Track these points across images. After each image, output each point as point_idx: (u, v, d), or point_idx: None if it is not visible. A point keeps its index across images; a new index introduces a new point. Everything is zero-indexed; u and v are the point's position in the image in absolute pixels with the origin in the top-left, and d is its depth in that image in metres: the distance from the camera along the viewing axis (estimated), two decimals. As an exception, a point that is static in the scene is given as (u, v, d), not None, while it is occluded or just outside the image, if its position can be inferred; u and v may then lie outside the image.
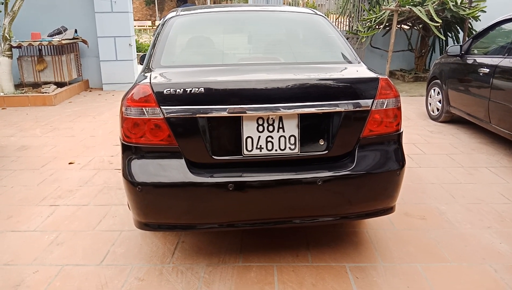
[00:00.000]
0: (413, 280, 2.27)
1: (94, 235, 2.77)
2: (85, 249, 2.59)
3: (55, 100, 7.05)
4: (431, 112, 5.89)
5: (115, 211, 3.10)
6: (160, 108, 1.97)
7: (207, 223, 2.06)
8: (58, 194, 3.42)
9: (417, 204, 3.18)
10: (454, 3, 7.68)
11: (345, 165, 2.09)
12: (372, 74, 2.17)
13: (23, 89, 7.43)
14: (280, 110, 1.99)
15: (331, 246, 2.59)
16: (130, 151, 2.08)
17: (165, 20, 2.71)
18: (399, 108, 2.16)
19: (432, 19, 7.55)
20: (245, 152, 2.03)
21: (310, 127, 2.07)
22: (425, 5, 7.62)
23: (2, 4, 6.91)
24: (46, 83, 7.70)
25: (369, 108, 2.07)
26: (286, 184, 2.01)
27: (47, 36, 7.80)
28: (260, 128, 2.02)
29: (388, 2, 8.87)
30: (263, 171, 2.03)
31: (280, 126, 2.03)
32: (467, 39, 7.53)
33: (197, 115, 1.96)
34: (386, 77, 2.17)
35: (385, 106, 2.09)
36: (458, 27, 8.49)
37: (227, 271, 2.36)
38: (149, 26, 26.85)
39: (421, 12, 7.53)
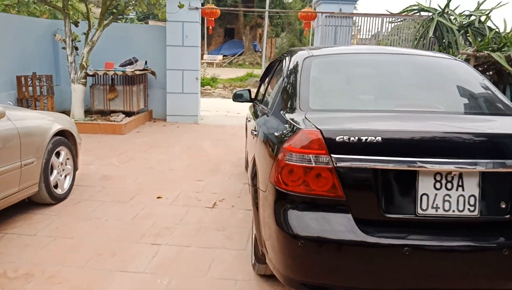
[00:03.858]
0: None
1: (207, 282, 2.56)
2: (204, 300, 2.38)
3: (124, 129, 7.11)
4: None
5: (220, 256, 2.90)
6: (330, 156, 1.78)
7: (374, 288, 1.81)
8: (155, 231, 3.26)
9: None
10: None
11: None
12: None
13: (92, 116, 7.57)
14: (461, 166, 1.76)
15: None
16: (286, 200, 1.89)
17: (299, 61, 2.58)
18: None
19: (512, 66, 7.23)
20: (419, 211, 1.80)
21: (491, 187, 1.82)
22: (503, 51, 7.33)
23: (84, 34, 7.16)
24: (113, 111, 7.83)
25: None
26: (467, 252, 1.76)
27: (119, 66, 8.00)
28: (438, 185, 1.80)
29: (457, 46, 8.63)
30: (439, 234, 1.79)
31: (460, 184, 1.80)
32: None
33: (372, 166, 1.76)
34: None
35: None
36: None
37: None
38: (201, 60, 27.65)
39: (500, 58, 7.23)
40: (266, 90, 3.39)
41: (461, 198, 1.80)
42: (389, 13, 8.79)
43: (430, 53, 2.79)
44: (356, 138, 1.78)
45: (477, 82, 2.45)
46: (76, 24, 7.27)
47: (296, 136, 1.86)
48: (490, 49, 7.54)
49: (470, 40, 8.46)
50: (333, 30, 8.54)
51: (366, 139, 1.77)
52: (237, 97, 4.34)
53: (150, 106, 8.77)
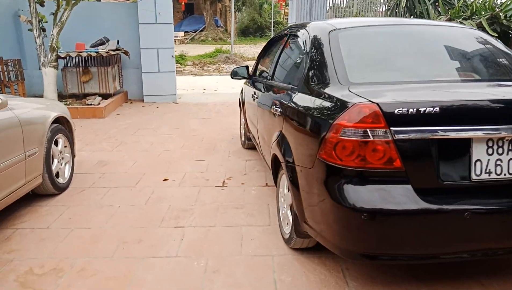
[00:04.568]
0: None
1: (244, 260, 2.56)
2: (248, 278, 2.38)
3: (104, 112, 6.84)
4: None
5: (248, 233, 2.89)
6: (390, 129, 1.80)
7: (444, 253, 1.88)
8: (174, 214, 3.20)
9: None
10: (505, 17, 7.65)
11: None
12: None
13: (66, 101, 7.20)
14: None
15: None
16: (341, 175, 1.89)
17: (323, 35, 2.53)
18: None
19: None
20: (474, 176, 1.86)
21: None
22: (474, 19, 7.58)
23: (52, 14, 6.71)
24: (88, 94, 7.48)
25: None
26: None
27: (90, 46, 7.60)
28: (490, 151, 1.86)
29: (428, 15, 8.83)
30: (494, 197, 1.87)
31: (510, 148, 1.87)
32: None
33: (429, 137, 1.79)
34: None
35: None
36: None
37: (419, 302, 2.17)
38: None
39: (472, 25, 7.48)
40: (275, 66, 3.33)
41: (511, 162, 1.87)
42: (362, -17, 8.83)
43: (447, 23, 2.83)
44: (414, 109, 1.79)
45: (500, 49, 2.52)
46: (41, 3, 6.78)
47: (350, 111, 1.85)
48: (462, 17, 7.77)
49: (440, 9, 8.66)
50: (309, 3, 8.48)
51: (424, 110, 1.79)
52: (235, 74, 4.27)
53: (125, 87, 8.45)
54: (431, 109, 1.79)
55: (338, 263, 2.52)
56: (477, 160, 1.85)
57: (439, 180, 1.84)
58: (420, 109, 1.79)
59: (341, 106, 1.94)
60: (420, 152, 1.82)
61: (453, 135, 1.80)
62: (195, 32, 28.27)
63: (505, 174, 1.87)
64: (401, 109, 1.80)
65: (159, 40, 8.09)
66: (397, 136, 1.79)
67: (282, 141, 2.59)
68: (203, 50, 18.96)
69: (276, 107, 2.78)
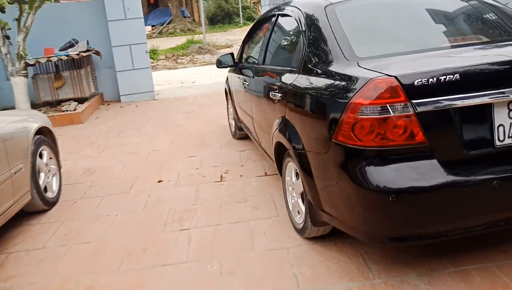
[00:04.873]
0: None
1: (260, 256, 2.45)
2: (267, 275, 2.27)
3: (83, 117, 6.55)
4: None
5: (258, 228, 2.77)
6: (411, 102, 1.69)
7: (474, 226, 1.81)
8: (177, 216, 3.05)
9: None
10: None
11: None
12: None
13: (40, 109, 6.87)
14: None
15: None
16: (361, 157, 1.79)
17: (318, 10, 2.39)
18: None
19: None
20: (497, 143, 1.78)
21: None
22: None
23: (15, 20, 6.34)
24: (63, 100, 7.15)
25: None
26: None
27: (59, 50, 7.25)
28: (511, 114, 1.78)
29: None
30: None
31: (531, 110, 1.79)
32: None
33: (451, 106, 1.70)
34: None
35: None
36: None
37: (447, 278, 2.10)
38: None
39: None
40: (265, 50, 3.18)
41: None
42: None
43: None
44: (434, 79, 1.69)
45: (498, 7, 2.44)
46: (2, 9, 6.38)
47: (367, 87, 1.74)
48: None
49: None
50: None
51: (444, 79, 1.70)
52: (221, 64, 4.10)
53: (100, 88, 8.12)
54: (451, 76, 1.70)
55: (356, 248, 2.44)
56: (500, 125, 1.78)
57: (463, 150, 1.76)
58: (439, 78, 1.70)
59: (355, 83, 1.82)
60: (443, 123, 1.74)
61: (476, 101, 1.71)
62: (162, 25, 27.54)
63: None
64: (420, 80, 1.69)
65: (130, 36, 7.77)
66: (419, 109, 1.69)
67: (286, 127, 2.46)
68: (173, 42, 18.52)
69: (275, 92, 2.64)
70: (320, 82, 2.11)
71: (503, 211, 1.81)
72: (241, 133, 4.62)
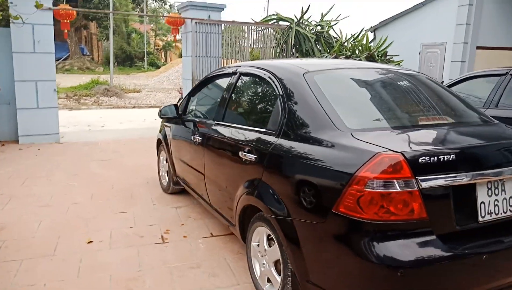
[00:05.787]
0: None
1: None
2: None
3: (-27, 159, 5.58)
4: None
5: None
6: (416, 178, 1.77)
7: None
8: (122, 286, 2.66)
9: None
10: (378, 55, 8.73)
11: None
12: None
13: None
14: (507, 173, 1.99)
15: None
16: (365, 229, 1.78)
17: (297, 77, 2.44)
18: None
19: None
20: (480, 218, 1.94)
21: None
22: (358, 57, 8.49)
23: None
24: None
25: None
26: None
27: None
28: (489, 193, 1.97)
29: (313, 52, 9.58)
30: (499, 236, 1.98)
31: (503, 188, 2.01)
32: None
33: (450, 183, 1.82)
34: None
35: None
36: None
37: None
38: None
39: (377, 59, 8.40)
40: (225, 106, 3.11)
41: (504, 201, 2.01)
42: (253, 22, 9.16)
43: (399, 68, 3.00)
44: (435, 157, 1.81)
45: (451, 93, 2.77)
46: None
47: (374, 161, 1.77)
48: (344, 55, 8.64)
49: (320, 48, 9.50)
50: (204, 37, 8.43)
51: (443, 158, 1.82)
52: (164, 114, 3.94)
53: (-7, 126, 7.10)
54: (449, 156, 1.83)
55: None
56: (482, 202, 1.95)
57: (455, 225, 1.88)
58: (440, 157, 1.82)
59: (359, 155, 1.84)
60: (442, 199, 1.85)
61: (467, 180, 1.87)
62: (58, 60, 25.76)
63: (501, 213, 2.00)
64: (424, 158, 1.80)
65: (37, 71, 7.06)
66: (423, 185, 1.78)
67: (263, 190, 2.37)
68: (72, 80, 17.31)
69: (247, 153, 2.56)
70: (311, 149, 2.10)
71: (491, 279, 1.95)
72: (176, 188, 4.36)
